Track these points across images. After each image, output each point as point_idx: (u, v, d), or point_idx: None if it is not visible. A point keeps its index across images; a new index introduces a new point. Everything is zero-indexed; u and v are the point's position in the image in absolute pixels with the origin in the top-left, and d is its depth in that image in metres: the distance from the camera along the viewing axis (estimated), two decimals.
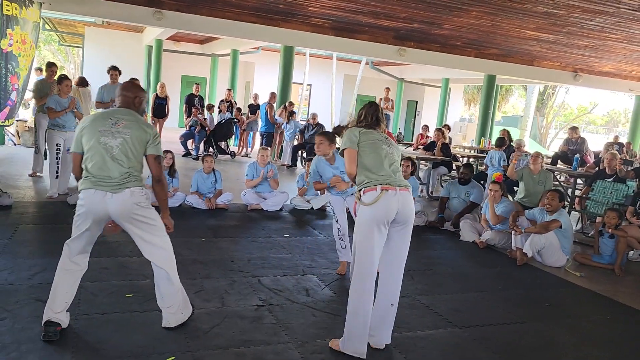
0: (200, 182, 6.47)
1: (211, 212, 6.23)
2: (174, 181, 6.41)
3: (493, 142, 10.41)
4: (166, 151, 6.42)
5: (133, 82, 3.23)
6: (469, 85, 25.04)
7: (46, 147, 6.75)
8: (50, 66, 7.75)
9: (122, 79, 8.01)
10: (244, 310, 3.46)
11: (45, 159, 7.24)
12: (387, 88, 13.99)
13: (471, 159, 11.61)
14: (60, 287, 2.89)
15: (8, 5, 7.31)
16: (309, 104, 20.05)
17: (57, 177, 6.23)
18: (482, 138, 13.05)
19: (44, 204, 5.90)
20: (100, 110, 2.47)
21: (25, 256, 4.07)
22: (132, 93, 3.04)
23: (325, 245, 5.27)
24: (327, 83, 19.15)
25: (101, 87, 7.63)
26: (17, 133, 10.38)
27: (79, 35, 18.50)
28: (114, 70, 7.74)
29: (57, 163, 6.23)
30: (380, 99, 13.74)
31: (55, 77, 6.95)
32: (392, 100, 13.86)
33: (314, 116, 11.17)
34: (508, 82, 19.78)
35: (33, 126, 8.36)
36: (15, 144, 10.32)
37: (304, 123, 11.73)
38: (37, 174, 7.32)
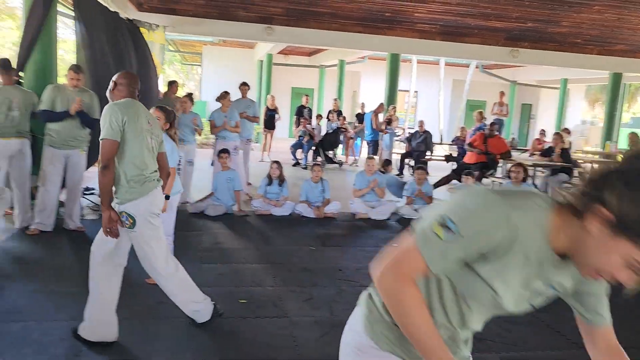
0: (309, 191, 6.62)
1: (320, 220, 6.34)
2: (284, 190, 6.62)
3: (620, 145, 9.50)
4: (274, 162, 6.67)
5: (134, 75, 3.20)
6: (591, 85, 23.15)
7: None
8: (172, 84, 8.39)
9: (237, 93, 8.49)
10: None
11: None
12: (502, 92, 13.37)
13: (595, 165, 10.70)
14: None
15: (145, 33, 8.09)
16: (415, 111, 19.75)
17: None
18: (607, 142, 11.97)
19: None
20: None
21: None
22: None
23: None
24: (434, 89, 18.73)
25: (234, 101, 8.16)
26: None
27: (198, 54, 19.88)
28: (244, 86, 8.26)
29: (178, 174, 6.70)
30: (494, 103, 13.15)
31: (176, 94, 7.53)
32: (506, 105, 13.21)
33: (421, 123, 10.97)
34: (638, 80, 17.99)
35: None
36: None
37: (410, 131, 11.56)
38: None
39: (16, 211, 5.03)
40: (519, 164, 6.57)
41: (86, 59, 5.76)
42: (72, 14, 6.13)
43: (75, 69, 4.99)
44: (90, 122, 5.04)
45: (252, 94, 17.03)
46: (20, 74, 5.37)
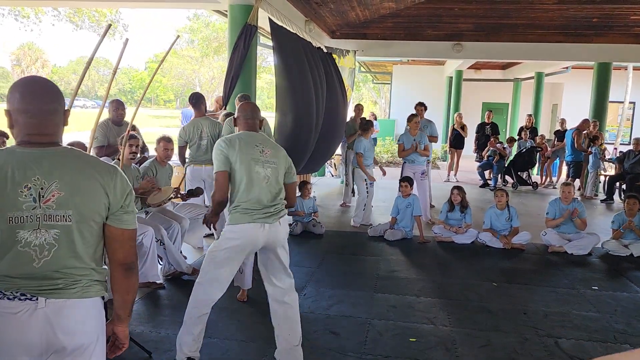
0: (494, 218, 6.15)
1: (506, 252, 5.83)
2: (466, 217, 6.25)
3: None
4: (455, 187, 6.34)
5: (255, 105, 3.27)
6: None
7: (353, 181, 7.50)
8: (358, 107, 8.63)
9: (429, 112, 8.30)
10: None
11: (353, 194, 8.07)
12: None
13: None
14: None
15: (336, 59, 8.53)
16: (631, 125, 17.18)
17: (364, 209, 6.84)
18: None
19: (348, 234, 6.51)
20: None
21: (326, 286, 4.52)
22: (258, 117, 3.13)
23: None
24: None
25: None
26: (334, 165, 11.88)
27: (388, 73, 20.25)
28: (420, 107, 8.01)
29: (367, 196, 6.85)
30: None
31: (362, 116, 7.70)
32: None
33: (638, 141, 9.44)
34: None
35: (344, 160, 9.42)
36: (332, 175, 11.83)
37: (625, 148, 10.06)
38: (347, 204, 8.16)
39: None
40: None
41: (282, 85, 6.22)
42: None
43: (243, 99, 5.41)
44: None
45: (439, 111, 16.82)
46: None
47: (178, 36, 4.66)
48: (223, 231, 2.93)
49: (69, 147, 1.72)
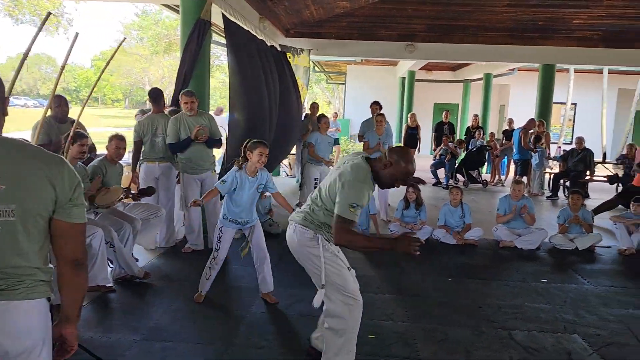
0: (448, 215, 6.26)
1: (460, 247, 5.95)
2: (421, 214, 6.34)
3: None
4: (410, 185, 6.41)
5: None
6: None
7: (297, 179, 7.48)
8: (313, 105, 8.62)
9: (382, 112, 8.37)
10: None
11: (301, 189, 8.01)
12: None
13: None
14: None
15: (290, 57, 8.46)
16: (573, 125, 17.97)
17: None
18: None
19: None
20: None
21: (285, 285, 4.47)
22: None
23: (594, 296, 4.48)
24: (596, 100, 16.89)
25: (363, 121, 8.17)
26: (289, 165, 11.81)
27: (342, 73, 20.36)
28: (375, 105, 8.10)
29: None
30: None
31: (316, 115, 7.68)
32: None
33: (580, 140, 9.87)
34: None
35: (299, 160, 9.38)
36: (287, 175, 11.76)
37: (567, 147, 10.51)
38: (303, 204, 8.10)
39: (162, 231, 5.41)
40: None
41: (235, 84, 6.11)
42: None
43: (188, 93, 5.21)
44: (214, 143, 5.38)
45: (392, 112, 17.01)
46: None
47: (125, 38, 4.49)
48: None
49: (10, 137, 1.59)
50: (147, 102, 6.97)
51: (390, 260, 5.44)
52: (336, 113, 14.30)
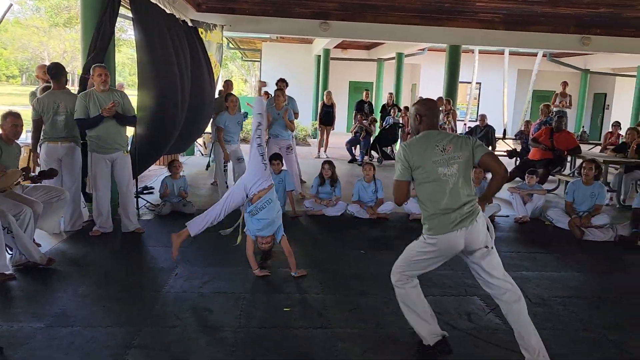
0: (361, 191, 6.46)
1: (372, 222, 6.17)
2: (336, 190, 6.50)
3: None
4: (325, 162, 6.56)
5: (435, 101, 3.09)
6: None
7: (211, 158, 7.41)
8: (227, 82, 8.48)
9: (294, 88, 8.41)
10: (400, 334, 3.29)
11: (207, 169, 7.94)
12: (564, 82, 12.52)
13: None
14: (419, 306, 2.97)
15: (202, 33, 8.20)
16: (478, 104, 19.04)
17: (227, 187, 6.75)
18: None
19: None
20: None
21: (200, 265, 4.43)
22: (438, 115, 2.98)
23: None
24: (498, 80, 17.96)
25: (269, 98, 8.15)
26: (204, 144, 11.58)
27: (257, 50, 20.10)
28: (281, 82, 8.12)
29: (226, 175, 6.76)
30: (556, 94, 12.39)
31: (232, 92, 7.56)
32: (570, 96, 12.37)
33: (483, 117, 10.50)
34: None
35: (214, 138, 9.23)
36: (202, 154, 11.53)
37: (471, 124, 11.15)
38: (218, 183, 8.02)
39: (66, 214, 5.16)
40: (591, 160, 6.12)
41: (144, 60, 5.87)
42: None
43: (103, 66, 4.99)
44: (128, 121, 5.15)
45: (309, 89, 17.09)
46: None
47: (11, 5, 4.16)
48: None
49: None
50: (38, 78, 6.46)
51: (305, 235, 5.55)
52: (267, 93, 14.10)
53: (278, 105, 7.23)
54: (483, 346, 3.20)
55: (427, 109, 2.91)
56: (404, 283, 2.96)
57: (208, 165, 9.29)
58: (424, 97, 12.02)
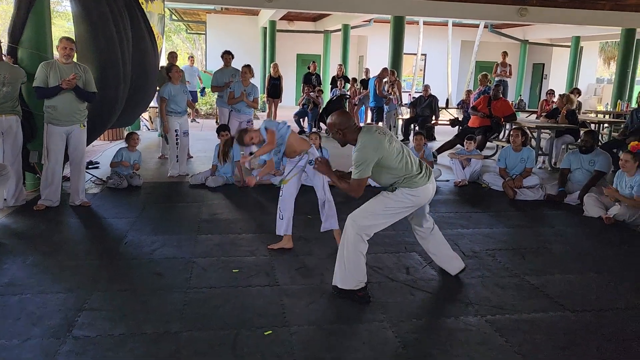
0: None
1: None
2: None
3: (634, 104, 9.29)
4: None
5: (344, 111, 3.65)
6: (607, 42, 22.56)
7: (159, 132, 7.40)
8: (172, 54, 8.38)
9: (241, 60, 8.43)
10: None
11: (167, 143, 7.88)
12: (504, 52, 13.05)
13: (605, 125, 10.55)
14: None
15: (143, 4, 8.00)
16: (424, 75, 19.46)
17: (177, 160, 6.77)
18: (619, 101, 11.74)
19: (168, 184, 6.46)
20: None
21: (148, 233, 4.51)
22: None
23: None
24: (443, 51, 18.40)
25: (216, 71, 8.13)
26: (150, 118, 11.40)
27: (202, 22, 19.68)
28: (227, 55, 8.13)
29: (177, 147, 6.77)
30: (496, 64, 12.90)
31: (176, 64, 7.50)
32: (510, 66, 12.92)
33: (426, 88, 10.83)
34: None
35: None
36: (149, 129, 11.37)
37: (417, 95, 11.47)
38: (165, 156, 7.99)
39: (9, 189, 5.07)
40: (517, 128, 6.52)
41: (82, 33, 5.75)
42: None
43: (69, 39, 4.95)
44: (87, 96, 5.08)
45: (256, 62, 16.94)
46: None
47: None
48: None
49: None
50: None
51: (253, 203, 5.69)
52: (192, 57, 13.89)
53: (245, 82, 7.45)
54: (418, 294, 3.47)
55: (342, 120, 3.47)
56: (368, 238, 3.45)
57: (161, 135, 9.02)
58: (369, 68, 12.22)
